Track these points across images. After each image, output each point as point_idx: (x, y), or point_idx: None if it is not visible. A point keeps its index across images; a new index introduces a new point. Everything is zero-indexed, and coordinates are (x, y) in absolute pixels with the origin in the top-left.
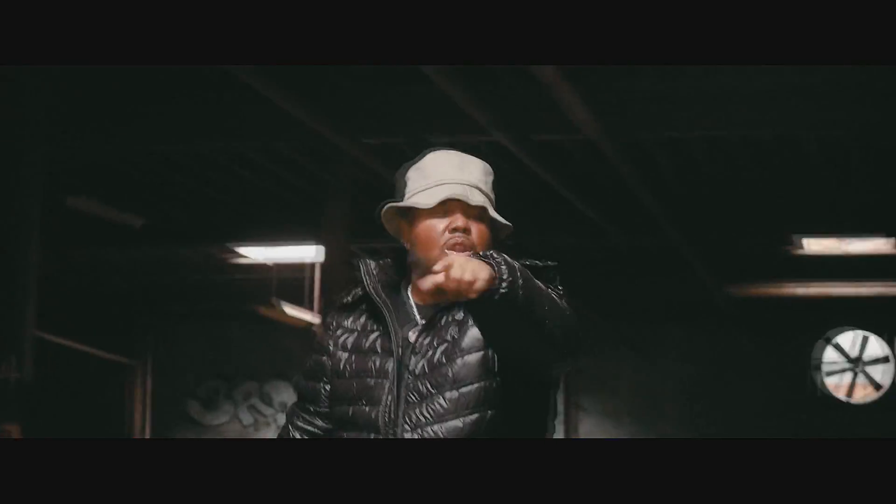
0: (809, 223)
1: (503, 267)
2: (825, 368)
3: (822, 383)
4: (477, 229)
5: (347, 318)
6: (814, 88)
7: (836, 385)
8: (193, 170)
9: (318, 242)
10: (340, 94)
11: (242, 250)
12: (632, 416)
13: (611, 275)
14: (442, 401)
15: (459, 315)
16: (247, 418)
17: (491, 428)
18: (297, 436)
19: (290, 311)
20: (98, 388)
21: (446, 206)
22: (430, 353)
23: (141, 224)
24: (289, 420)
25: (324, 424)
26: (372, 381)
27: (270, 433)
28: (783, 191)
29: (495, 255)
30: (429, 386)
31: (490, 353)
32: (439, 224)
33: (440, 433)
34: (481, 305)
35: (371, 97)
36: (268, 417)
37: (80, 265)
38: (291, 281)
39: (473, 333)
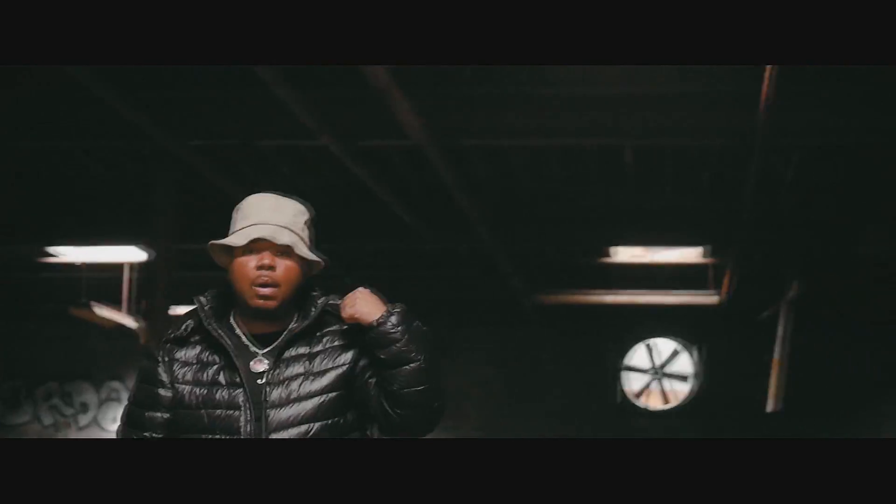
0: (619, 232)
1: (392, 319)
2: (628, 376)
3: (624, 390)
4: (284, 266)
5: (181, 350)
6: (630, 97)
7: (638, 392)
8: (8, 165)
9: (134, 243)
10: (169, 94)
11: (55, 249)
12: None
13: (420, 277)
14: (304, 430)
15: (304, 349)
16: (47, 418)
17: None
18: None
19: (101, 312)
20: None
21: (256, 245)
22: (286, 384)
23: None
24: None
25: None
26: (223, 413)
27: (71, 434)
28: (595, 199)
29: (396, 308)
30: (289, 415)
31: (345, 393)
32: (250, 261)
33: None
34: (371, 341)
35: (201, 98)
36: (68, 418)
37: None
38: (104, 281)
39: (330, 376)
